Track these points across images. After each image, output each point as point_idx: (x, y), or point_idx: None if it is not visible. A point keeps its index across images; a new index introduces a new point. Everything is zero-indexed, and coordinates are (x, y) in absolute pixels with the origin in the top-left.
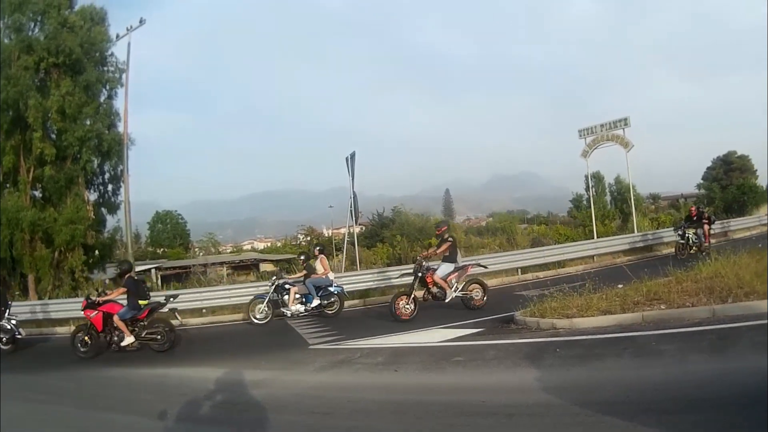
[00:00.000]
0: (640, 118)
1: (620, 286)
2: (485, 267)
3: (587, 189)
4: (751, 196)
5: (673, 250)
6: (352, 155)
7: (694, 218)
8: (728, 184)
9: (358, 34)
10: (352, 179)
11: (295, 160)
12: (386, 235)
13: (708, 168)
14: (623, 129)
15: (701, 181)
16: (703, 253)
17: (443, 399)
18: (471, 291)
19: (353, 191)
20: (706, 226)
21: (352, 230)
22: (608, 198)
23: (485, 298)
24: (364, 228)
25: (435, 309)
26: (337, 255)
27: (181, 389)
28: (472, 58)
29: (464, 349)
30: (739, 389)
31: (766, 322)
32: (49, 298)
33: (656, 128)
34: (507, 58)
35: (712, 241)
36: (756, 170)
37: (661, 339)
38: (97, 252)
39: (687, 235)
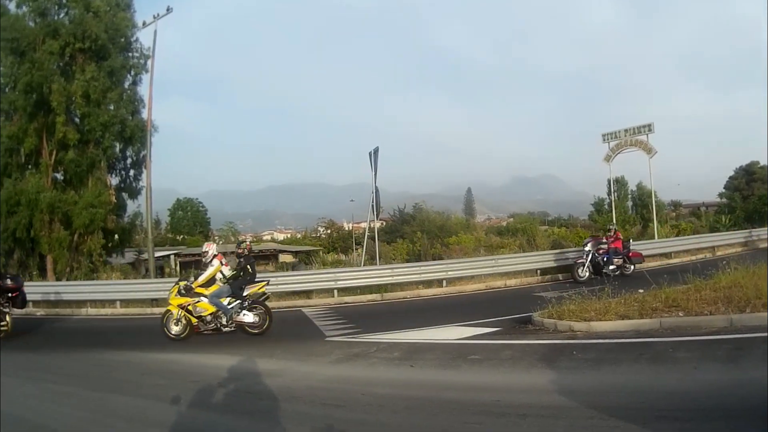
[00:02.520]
0: (663, 125)
1: (640, 291)
2: None
3: (609, 193)
4: None
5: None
6: (376, 150)
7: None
8: (750, 194)
9: (382, 32)
10: (375, 174)
11: (316, 154)
12: (406, 231)
13: (730, 177)
14: (647, 135)
15: (723, 191)
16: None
17: (457, 396)
18: None
19: (375, 186)
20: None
21: (372, 225)
22: (630, 203)
23: None
24: (384, 223)
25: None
26: (357, 249)
27: (194, 376)
28: (495, 61)
29: (481, 348)
30: (753, 400)
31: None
32: (67, 280)
33: (679, 136)
34: (528, 63)
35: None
36: None
37: (677, 346)
38: (116, 236)
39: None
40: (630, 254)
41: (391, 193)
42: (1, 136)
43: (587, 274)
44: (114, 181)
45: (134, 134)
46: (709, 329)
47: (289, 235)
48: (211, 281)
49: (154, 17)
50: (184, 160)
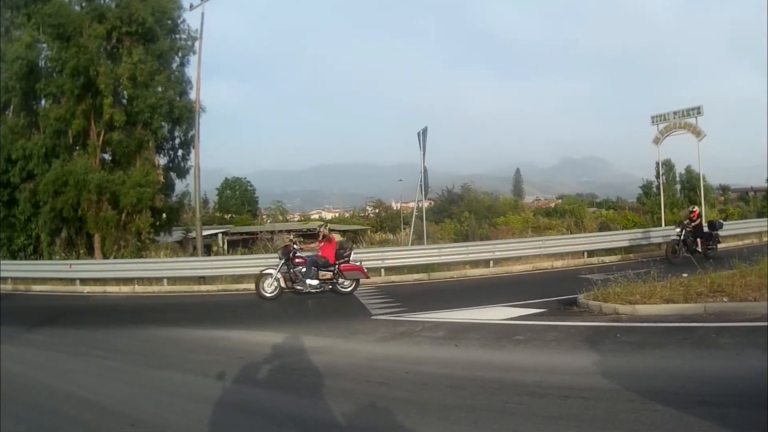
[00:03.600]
0: (713, 107)
1: (685, 275)
2: None
3: (657, 176)
4: None
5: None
6: (424, 130)
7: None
8: None
9: (430, 11)
10: (423, 154)
11: (365, 133)
12: (454, 211)
13: None
14: (696, 117)
15: None
16: None
17: (500, 376)
18: None
19: (424, 166)
20: None
21: (420, 205)
22: (678, 186)
23: None
24: (432, 203)
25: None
26: (404, 229)
27: (240, 352)
28: (544, 41)
29: (525, 329)
30: None
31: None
32: (114, 258)
33: (729, 118)
34: (577, 43)
35: None
36: None
37: (721, 331)
38: (164, 215)
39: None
40: (342, 267)
41: (439, 173)
42: (49, 119)
43: (276, 289)
44: (162, 161)
45: (182, 115)
46: (754, 315)
47: (337, 215)
48: None
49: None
50: (233, 140)
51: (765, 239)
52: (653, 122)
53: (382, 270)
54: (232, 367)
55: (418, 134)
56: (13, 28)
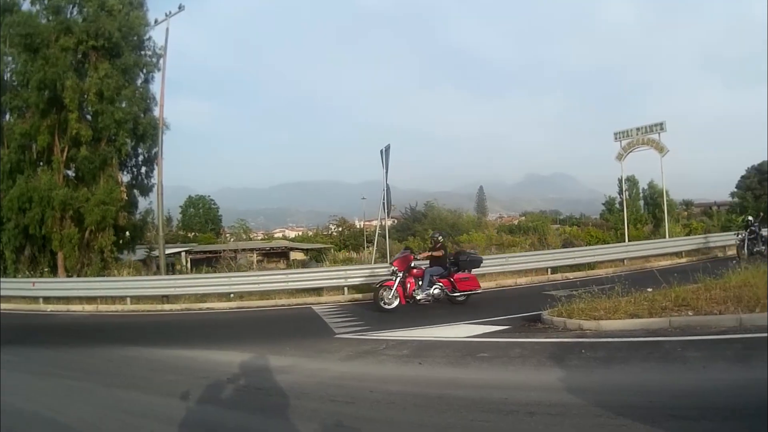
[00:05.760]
0: (680, 124)
1: (649, 290)
2: None
3: (620, 192)
4: None
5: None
6: (387, 148)
7: None
8: (762, 193)
9: (396, 31)
10: (386, 172)
11: (330, 152)
12: (418, 228)
13: (742, 177)
14: (659, 133)
15: (735, 190)
16: None
17: (466, 394)
18: None
19: (386, 184)
20: None
21: (383, 223)
22: (642, 202)
23: None
24: (396, 221)
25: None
26: (368, 247)
27: (204, 372)
28: (510, 59)
29: (489, 346)
30: (762, 399)
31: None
32: (78, 276)
33: (696, 134)
34: (544, 61)
35: None
36: None
37: (687, 345)
38: (127, 233)
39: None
40: None
41: (404, 191)
42: (14, 133)
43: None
44: (125, 178)
45: (146, 132)
46: (719, 329)
47: (300, 233)
48: None
49: (167, 15)
50: (197, 158)
51: (728, 253)
52: (616, 138)
53: (345, 288)
54: (196, 387)
55: (381, 152)
56: None
